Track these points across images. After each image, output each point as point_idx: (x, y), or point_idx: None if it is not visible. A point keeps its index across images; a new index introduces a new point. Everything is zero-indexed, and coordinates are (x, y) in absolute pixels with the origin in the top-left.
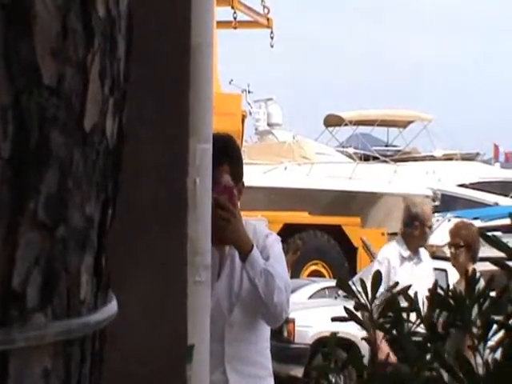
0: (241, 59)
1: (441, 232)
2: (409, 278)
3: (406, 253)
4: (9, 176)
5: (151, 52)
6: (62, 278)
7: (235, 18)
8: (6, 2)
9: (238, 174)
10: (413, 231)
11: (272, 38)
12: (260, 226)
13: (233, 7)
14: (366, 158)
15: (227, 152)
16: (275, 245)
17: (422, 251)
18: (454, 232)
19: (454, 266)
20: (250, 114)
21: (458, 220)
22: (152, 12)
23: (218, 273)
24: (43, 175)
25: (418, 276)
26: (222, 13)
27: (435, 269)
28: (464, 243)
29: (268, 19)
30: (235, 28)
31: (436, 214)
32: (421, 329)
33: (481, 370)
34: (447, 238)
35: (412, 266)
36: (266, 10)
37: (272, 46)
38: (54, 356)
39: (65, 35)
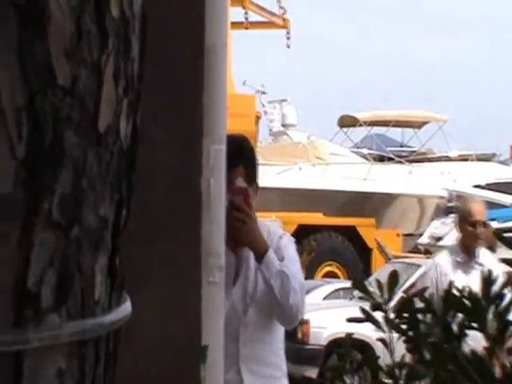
0: (255, 60)
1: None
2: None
3: (459, 256)
4: (23, 176)
5: (167, 54)
6: (76, 279)
7: (247, 19)
8: (20, 3)
9: (252, 176)
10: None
11: (288, 38)
12: (274, 226)
13: (244, 7)
14: (380, 159)
15: (242, 153)
16: (289, 246)
17: (484, 254)
18: None
19: None
20: (265, 113)
21: None
22: (168, 14)
23: (235, 275)
24: (57, 175)
25: (474, 282)
26: (237, 13)
27: None
28: (487, 245)
29: (284, 20)
30: (247, 28)
31: (451, 215)
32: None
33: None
34: None
35: (468, 271)
36: (282, 11)
37: (288, 47)
38: (68, 356)
39: (79, 36)
